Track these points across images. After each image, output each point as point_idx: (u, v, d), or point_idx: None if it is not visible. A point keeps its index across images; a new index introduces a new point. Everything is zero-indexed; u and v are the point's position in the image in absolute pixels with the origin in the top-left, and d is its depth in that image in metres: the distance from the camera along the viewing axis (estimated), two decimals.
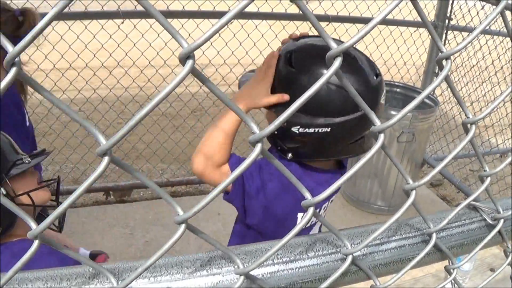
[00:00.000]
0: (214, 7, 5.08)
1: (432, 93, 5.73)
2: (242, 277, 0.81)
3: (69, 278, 0.79)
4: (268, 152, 0.72)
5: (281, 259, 0.88)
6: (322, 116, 1.83)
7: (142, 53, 5.06)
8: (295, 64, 1.85)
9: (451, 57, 0.81)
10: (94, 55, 4.96)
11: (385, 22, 5.36)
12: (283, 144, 1.97)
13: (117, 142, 0.60)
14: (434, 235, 1.02)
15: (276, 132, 1.89)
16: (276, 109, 1.88)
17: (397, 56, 5.94)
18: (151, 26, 4.69)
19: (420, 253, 1.01)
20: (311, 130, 1.85)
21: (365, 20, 5.50)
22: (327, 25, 5.18)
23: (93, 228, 4.70)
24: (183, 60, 0.59)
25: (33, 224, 0.67)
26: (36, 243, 0.67)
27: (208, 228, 4.68)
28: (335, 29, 5.37)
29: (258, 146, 0.69)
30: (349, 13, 5.54)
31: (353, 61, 1.88)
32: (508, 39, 5.75)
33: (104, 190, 5.24)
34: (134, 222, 4.82)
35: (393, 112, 4.62)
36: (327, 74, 0.70)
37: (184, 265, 0.83)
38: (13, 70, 0.56)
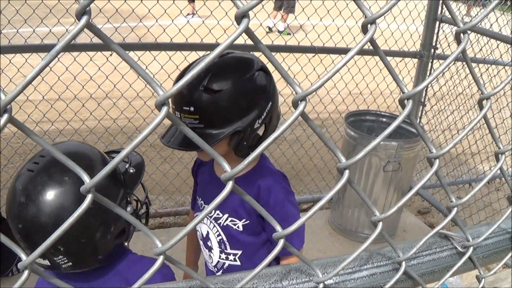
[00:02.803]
0: (201, 40, 5.13)
1: (419, 122, 5.79)
2: None
3: None
4: (238, 187, 0.77)
5: (257, 287, 0.92)
6: (261, 100, 2.08)
7: (130, 85, 5.09)
8: (217, 86, 2.00)
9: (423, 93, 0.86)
10: (83, 87, 5.01)
11: (370, 52, 5.43)
12: (253, 147, 2.15)
13: (99, 181, 0.65)
14: (403, 263, 1.06)
15: (245, 143, 2.10)
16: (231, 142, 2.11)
17: (383, 86, 6.00)
18: (139, 58, 4.75)
19: (390, 280, 1.06)
20: (265, 113, 2.09)
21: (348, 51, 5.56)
22: (314, 56, 5.24)
23: None
24: (159, 106, 0.64)
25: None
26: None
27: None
28: (321, 60, 5.44)
29: (230, 184, 0.74)
30: (335, 44, 5.61)
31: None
32: (493, 66, 5.82)
33: None
34: None
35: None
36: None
37: None
38: (5, 117, 0.60)
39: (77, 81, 4.88)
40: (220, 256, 2.44)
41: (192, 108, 1.98)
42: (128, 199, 1.85)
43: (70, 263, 1.66)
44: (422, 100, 5.86)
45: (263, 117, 2.09)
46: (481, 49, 5.75)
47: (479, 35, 5.61)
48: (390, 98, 6.29)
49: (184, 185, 5.44)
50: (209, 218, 2.42)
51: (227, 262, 2.44)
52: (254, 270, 0.86)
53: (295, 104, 0.74)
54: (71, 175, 1.61)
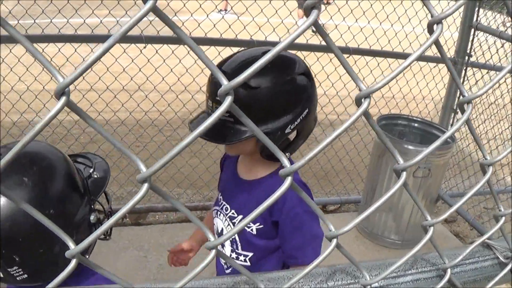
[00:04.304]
0: (236, 36, 5.12)
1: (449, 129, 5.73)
2: None
3: None
4: (297, 185, 0.76)
5: (303, 287, 0.90)
6: (298, 104, 2.03)
7: (163, 78, 5.10)
8: (255, 82, 1.95)
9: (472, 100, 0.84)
10: (116, 78, 5.02)
11: (405, 56, 5.39)
12: (284, 151, 2.13)
13: (157, 170, 0.64)
14: (449, 271, 1.04)
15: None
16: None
17: (416, 90, 5.96)
18: (173, 52, 4.75)
19: (434, 287, 1.04)
20: (298, 120, 2.04)
21: (385, 54, 5.53)
22: (348, 57, 5.21)
23: (107, 249, 4.71)
24: (222, 96, 0.63)
25: (71, 244, 0.71)
26: (74, 262, 0.71)
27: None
28: (355, 62, 5.40)
29: (289, 180, 0.72)
30: (370, 46, 5.58)
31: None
32: None
33: None
34: (149, 245, 4.84)
35: (410, 147, 4.65)
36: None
37: None
38: (63, 99, 0.59)
39: (110, 72, 4.89)
40: (231, 255, 2.42)
41: None
42: (92, 206, 1.76)
43: (26, 275, 1.56)
44: (454, 107, 5.80)
45: (296, 123, 2.03)
46: None
47: None
48: (423, 103, 6.25)
49: (213, 180, 5.41)
50: (225, 215, 2.41)
51: (237, 262, 2.39)
52: (303, 269, 0.85)
53: (358, 102, 0.72)
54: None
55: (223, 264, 2.53)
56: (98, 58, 0.59)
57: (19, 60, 4.79)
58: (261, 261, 2.36)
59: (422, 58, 5.64)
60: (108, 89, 5.20)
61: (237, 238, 2.36)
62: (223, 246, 2.44)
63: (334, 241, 0.83)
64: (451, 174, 6.31)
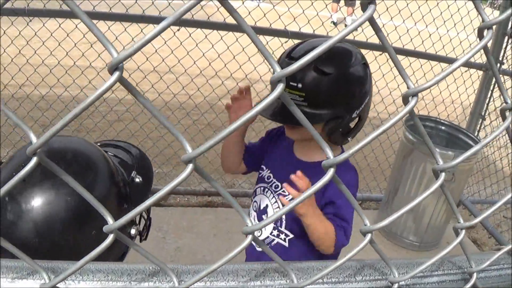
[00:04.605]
0: (270, 25, 5.11)
1: (476, 135, 5.70)
2: None
3: (129, 273, 0.82)
4: (338, 178, 0.76)
5: (331, 279, 0.90)
6: (363, 90, 2.19)
7: (194, 62, 5.11)
8: (328, 69, 2.11)
9: None
10: (147, 59, 5.03)
11: (438, 59, 5.36)
12: (344, 136, 2.26)
13: (203, 152, 0.64)
14: (474, 275, 1.04)
15: (340, 130, 2.19)
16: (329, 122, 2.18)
17: (445, 93, 5.93)
18: (206, 36, 4.75)
19: None
20: (363, 105, 2.20)
21: (419, 54, 5.50)
22: (381, 54, 5.18)
23: None
24: (274, 83, 0.63)
25: (110, 219, 0.71)
26: (111, 237, 0.71)
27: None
28: (387, 60, 5.37)
29: (331, 171, 0.73)
30: (403, 46, 5.55)
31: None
32: None
33: None
34: (168, 226, 4.86)
35: (436, 150, 4.63)
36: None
37: (240, 273, 0.86)
38: (116, 74, 0.60)
39: (142, 52, 4.89)
40: (271, 232, 2.44)
41: (300, 85, 2.08)
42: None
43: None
44: (483, 113, 5.76)
45: (361, 108, 2.19)
46: None
47: None
48: (451, 107, 6.21)
49: None
50: (273, 192, 2.44)
51: (276, 240, 2.43)
52: (335, 262, 0.85)
53: (405, 100, 0.73)
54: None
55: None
56: (153, 38, 0.60)
57: (51, 35, 4.82)
58: (299, 246, 2.39)
59: (453, 61, 5.58)
60: (138, 69, 5.21)
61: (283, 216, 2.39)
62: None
63: (369, 236, 0.84)
64: (474, 180, 6.27)
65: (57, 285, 0.74)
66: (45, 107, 5.46)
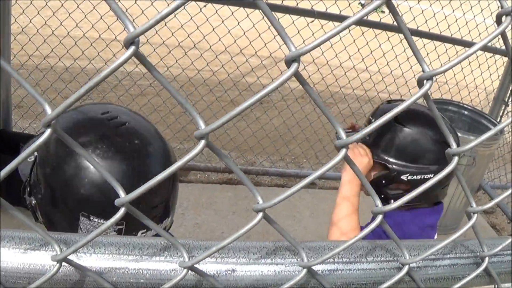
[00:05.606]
0: (297, 4, 5.09)
1: (499, 120, 5.67)
2: (305, 270, 0.84)
3: (141, 247, 0.83)
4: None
5: (342, 259, 0.91)
6: (426, 164, 2.10)
7: (219, 39, 5.11)
8: (409, 124, 2.10)
9: None
10: (172, 34, 5.03)
11: (464, 43, 5.31)
12: (388, 193, 2.18)
13: (216, 128, 0.64)
14: (486, 259, 1.04)
15: (383, 181, 2.15)
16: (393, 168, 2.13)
17: (469, 78, 5.88)
18: (232, 13, 4.75)
19: (471, 273, 1.04)
20: (418, 177, 2.10)
21: (442, 38, 5.46)
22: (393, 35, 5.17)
23: None
24: (288, 62, 0.63)
25: (122, 193, 0.72)
26: (122, 210, 0.72)
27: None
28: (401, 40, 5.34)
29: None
30: (429, 29, 5.51)
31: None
32: None
33: None
34: (187, 203, 4.87)
35: (458, 134, 4.61)
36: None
37: (251, 251, 0.86)
38: (132, 49, 0.60)
39: (167, 27, 4.90)
40: None
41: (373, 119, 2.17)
42: None
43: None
44: (506, 99, 5.72)
45: (414, 177, 2.10)
46: None
47: None
48: (475, 92, 6.17)
49: (257, 145, 5.48)
50: None
51: None
52: (345, 242, 0.86)
53: (420, 83, 0.73)
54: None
55: None
56: (171, 12, 0.60)
57: (78, 7, 4.84)
58: None
59: (471, 44, 5.55)
60: (163, 44, 5.22)
61: None
62: None
63: (380, 216, 0.84)
64: (495, 165, 6.24)
65: (68, 257, 0.75)
66: (68, 79, 5.47)
